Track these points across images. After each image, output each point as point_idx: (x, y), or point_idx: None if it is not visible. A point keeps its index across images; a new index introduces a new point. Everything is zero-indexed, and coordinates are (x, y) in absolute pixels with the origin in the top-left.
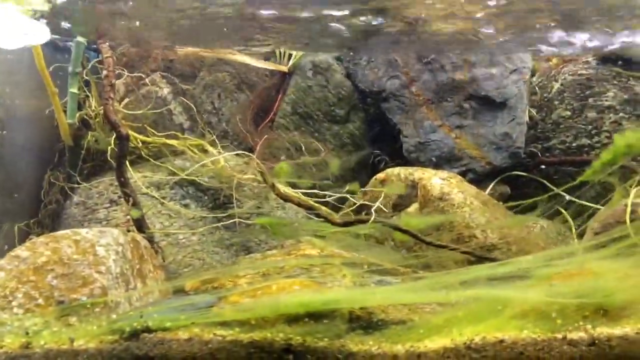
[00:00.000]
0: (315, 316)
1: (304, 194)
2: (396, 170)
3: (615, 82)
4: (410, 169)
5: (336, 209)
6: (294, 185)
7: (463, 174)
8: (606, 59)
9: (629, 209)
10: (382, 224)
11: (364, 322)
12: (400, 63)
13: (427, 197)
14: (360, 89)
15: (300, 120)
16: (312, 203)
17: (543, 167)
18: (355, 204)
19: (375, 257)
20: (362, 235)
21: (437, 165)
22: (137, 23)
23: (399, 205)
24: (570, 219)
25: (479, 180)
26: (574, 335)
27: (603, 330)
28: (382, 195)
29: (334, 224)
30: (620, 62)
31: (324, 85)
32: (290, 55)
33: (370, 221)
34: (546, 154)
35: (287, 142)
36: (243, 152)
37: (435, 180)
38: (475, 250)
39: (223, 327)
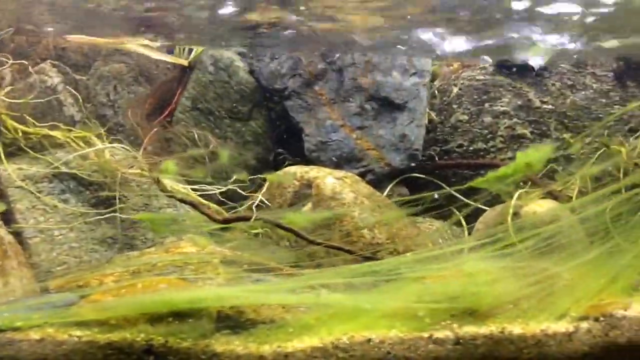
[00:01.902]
0: (181, 315)
1: (194, 189)
2: (293, 168)
3: (510, 88)
4: (306, 168)
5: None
6: (193, 182)
7: (363, 175)
8: (501, 65)
9: (511, 210)
10: (265, 221)
11: (233, 321)
12: (304, 61)
13: (320, 196)
14: (263, 86)
15: (200, 116)
16: (198, 198)
17: (437, 171)
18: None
19: (263, 256)
20: (260, 234)
21: (337, 165)
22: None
23: (294, 204)
24: (462, 220)
25: (378, 181)
26: (440, 334)
27: (469, 330)
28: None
29: (215, 220)
30: (514, 69)
31: (225, 81)
32: (191, 49)
33: (252, 219)
34: (445, 157)
35: (184, 137)
36: (123, 146)
37: (329, 179)
38: (363, 249)
39: (80, 328)
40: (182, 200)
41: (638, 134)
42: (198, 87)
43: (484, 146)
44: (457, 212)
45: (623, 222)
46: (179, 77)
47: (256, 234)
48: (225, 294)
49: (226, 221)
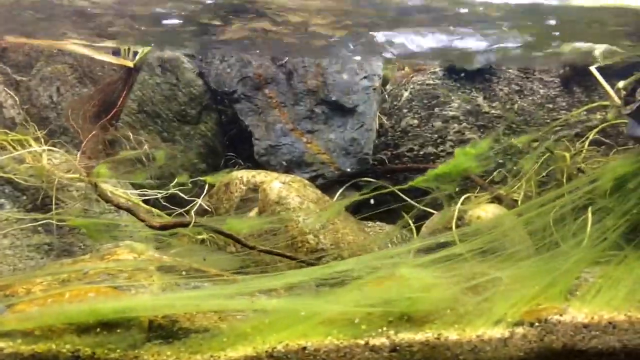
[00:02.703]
0: (109, 325)
1: (137, 194)
2: (240, 173)
3: (459, 93)
4: (253, 172)
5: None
6: (141, 186)
7: (313, 179)
8: (451, 70)
9: (455, 215)
10: (203, 227)
11: (166, 331)
12: (254, 64)
13: (266, 200)
14: (213, 89)
15: (147, 119)
16: (141, 203)
17: (388, 175)
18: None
19: (206, 262)
20: (205, 240)
21: (287, 170)
22: None
23: (240, 209)
24: (412, 223)
25: (328, 185)
26: (376, 341)
27: (405, 336)
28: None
29: (151, 227)
30: (462, 74)
31: (173, 84)
32: (136, 51)
33: (191, 224)
34: (396, 161)
35: (130, 140)
36: (56, 149)
37: (275, 184)
38: (307, 254)
39: (4, 339)
40: (118, 206)
41: (583, 139)
42: (144, 89)
43: (434, 150)
44: (406, 215)
45: (565, 226)
46: (125, 79)
47: (202, 240)
48: (158, 303)
49: (163, 227)
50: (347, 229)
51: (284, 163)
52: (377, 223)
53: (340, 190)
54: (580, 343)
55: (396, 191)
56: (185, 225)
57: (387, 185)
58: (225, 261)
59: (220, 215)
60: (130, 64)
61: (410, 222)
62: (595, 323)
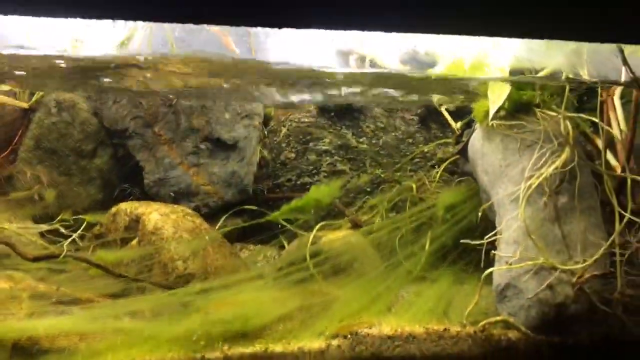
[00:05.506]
0: None
1: (23, 228)
2: (124, 205)
3: (331, 130)
4: (136, 204)
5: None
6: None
7: (198, 208)
8: (323, 109)
9: (310, 239)
10: (74, 257)
11: (27, 351)
12: (145, 104)
13: (144, 230)
14: (106, 127)
15: (44, 155)
16: (28, 236)
17: (270, 202)
18: (96, 234)
19: (82, 287)
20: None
21: (175, 200)
22: None
23: (124, 239)
24: (287, 246)
25: (213, 213)
26: (211, 355)
27: (236, 350)
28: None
29: (25, 258)
30: (332, 113)
31: (69, 122)
32: (33, 93)
33: (62, 255)
34: (276, 190)
35: (23, 175)
36: None
37: (153, 215)
38: (176, 279)
39: None
40: None
41: (437, 170)
42: (40, 129)
43: (310, 180)
44: (282, 240)
45: (407, 246)
46: (22, 118)
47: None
48: (23, 327)
49: (36, 259)
50: (218, 255)
51: (172, 194)
52: (258, 246)
53: (223, 219)
54: (386, 352)
55: (274, 215)
56: (56, 256)
57: (266, 212)
58: (109, 286)
59: (109, 243)
60: (25, 105)
61: (285, 244)
62: (398, 335)
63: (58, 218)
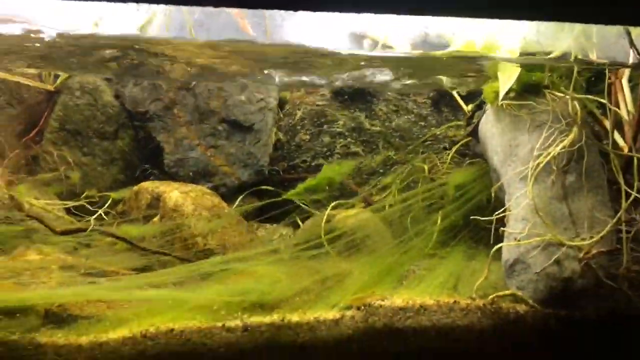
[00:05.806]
0: (11, 313)
1: (50, 204)
2: (146, 184)
3: (344, 112)
4: (157, 183)
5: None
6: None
7: (217, 188)
8: (337, 92)
9: (325, 218)
10: (100, 232)
11: (59, 317)
12: (164, 87)
13: (165, 208)
14: (128, 109)
15: (68, 136)
16: (54, 212)
17: (285, 183)
18: (119, 211)
19: (109, 261)
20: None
21: (194, 180)
22: None
23: (147, 216)
24: (301, 225)
25: (230, 193)
26: (231, 324)
27: (255, 319)
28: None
29: (54, 232)
30: (346, 97)
31: (92, 104)
32: (57, 75)
33: (89, 229)
34: (291, 171)
35: (51, 155)
36: None
37: (174, 193)
38: (197, 254)
39: None
40: (28, 215)
41: (448, 152)
42: (65, 110)
43: (324, 162)
44: (298, 219)
45: (420, 224)
46: (47, 101)
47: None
48: (53, 295)
49: (64, 232)
50: (236, 232)
51: (191, 174)
52: (274, 225)
53: (240, 198)
54: (398, 323)
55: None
56: (83, 230)
57: (281, 192)
58: (133, 260)
59: (132, 220)
60: (51, 88)
61: (300, 223)
62: (410, 307)
63: (84, 194)
